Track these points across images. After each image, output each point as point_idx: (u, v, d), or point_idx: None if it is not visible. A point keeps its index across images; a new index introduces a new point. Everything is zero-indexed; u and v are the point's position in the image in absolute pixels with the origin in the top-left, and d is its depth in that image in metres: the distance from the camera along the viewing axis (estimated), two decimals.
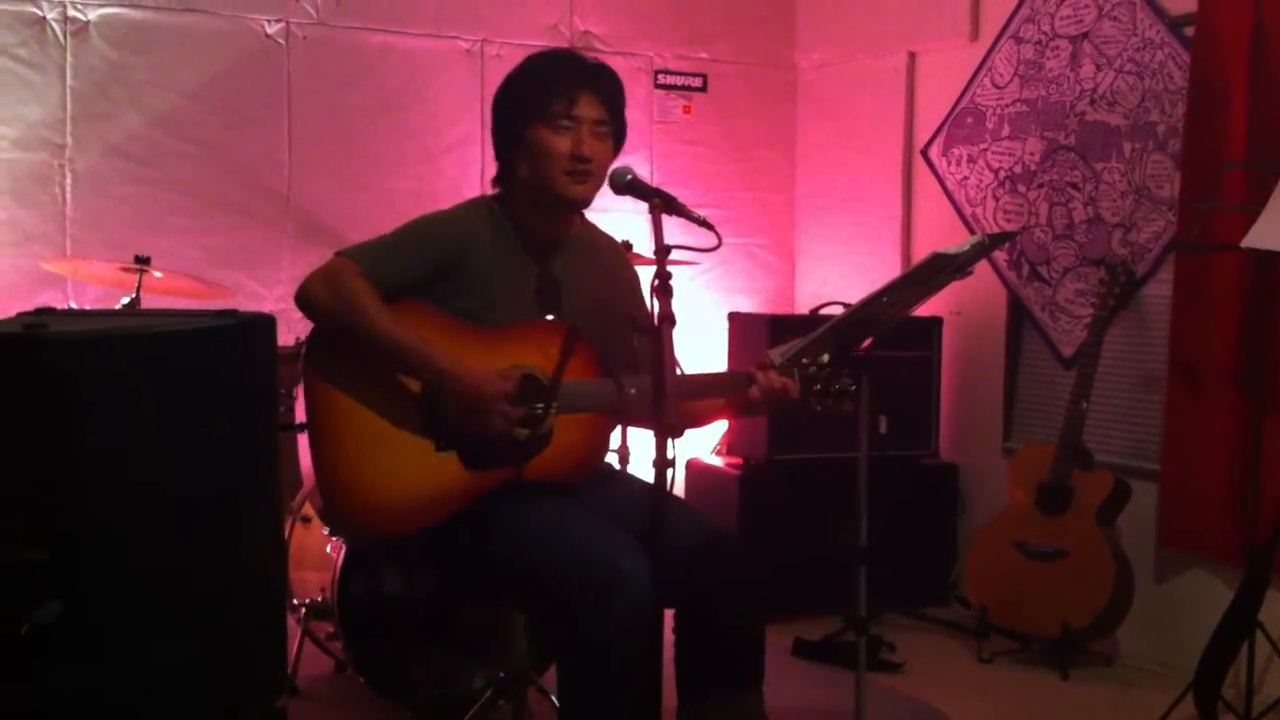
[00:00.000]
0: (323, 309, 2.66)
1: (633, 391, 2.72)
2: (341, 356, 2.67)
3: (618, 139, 2.86)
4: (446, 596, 3.34)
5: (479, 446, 2.67)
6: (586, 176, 2.76)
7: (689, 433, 3.09)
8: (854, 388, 2.84)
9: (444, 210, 2.87)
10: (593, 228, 3.01)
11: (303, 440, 2.70)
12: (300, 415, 2.73)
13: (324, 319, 2.67)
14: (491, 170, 2.92)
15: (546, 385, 2.69)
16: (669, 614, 2.70)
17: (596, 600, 2.48)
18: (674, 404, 2.30)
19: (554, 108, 2.74)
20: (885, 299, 2.80)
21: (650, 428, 2.29)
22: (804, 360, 2.81)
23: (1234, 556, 3.92)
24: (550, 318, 2.83)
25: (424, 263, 2.73)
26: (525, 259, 2.84)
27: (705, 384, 2.93)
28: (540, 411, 2.68)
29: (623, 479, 3.06)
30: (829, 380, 2.82)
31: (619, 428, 4.60)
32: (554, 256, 2.89)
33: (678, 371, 2.66)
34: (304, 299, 2.68)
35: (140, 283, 3.95)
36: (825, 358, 2.82)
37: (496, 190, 2.90)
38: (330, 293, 2.64)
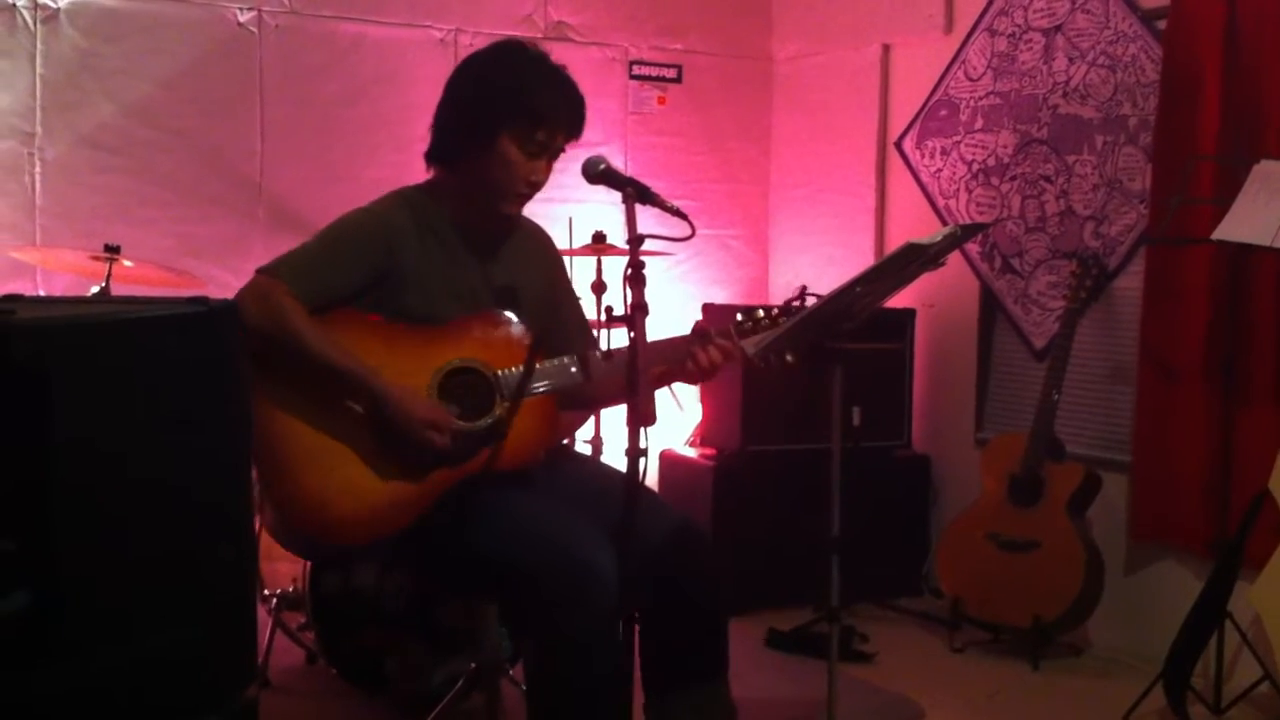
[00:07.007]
0: (256, 330, 2.59)
1: (573, 370, 2.72)
2: (280, 374, 2.62)
3: None
4: (420, 590, 3.33)
5: (425, 456, 2.65)
6: (528, 199, 2.81)
7: (623, 415, 3.08)
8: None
9: (362, 211, 2.82)
10: (519, 215, 2.98)
11: None
12: None
13: (257, 341, 2.61)
14: None
15: (492, 380, 2.68)
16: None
17: (572, 594, 2.47)
18: (628, 389, 2.29)
19: (537, 134, 2.73)
20: (858, 289, 2.81)
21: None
22: (739, 318, 2.82)
23: (1204, 548, 3.95)
24: (488, 309, 2.80)
25: (353, 272, 2.71)
26: (462, 252, 2.82)
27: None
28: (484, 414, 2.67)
29: (577, 459, 3.04)
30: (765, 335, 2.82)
31: (590, 418, 4.59)
32: (494, 248, 2.88)
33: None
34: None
35: (110, 272, 3.92)
36: (761, 313, 2.83)
37: (429, 175, 2.86)
38: (263, 314, 2.59)
